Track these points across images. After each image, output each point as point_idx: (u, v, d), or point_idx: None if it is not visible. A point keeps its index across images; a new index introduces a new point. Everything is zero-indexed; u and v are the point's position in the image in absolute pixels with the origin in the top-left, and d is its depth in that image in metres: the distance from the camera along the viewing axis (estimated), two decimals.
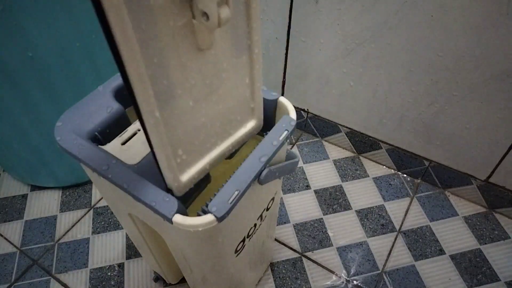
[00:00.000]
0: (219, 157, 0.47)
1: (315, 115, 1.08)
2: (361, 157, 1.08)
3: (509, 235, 0.91)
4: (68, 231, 0.94)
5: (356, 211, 0.96)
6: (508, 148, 0.83)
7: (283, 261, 0.88)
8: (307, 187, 1.01)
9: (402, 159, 1.01)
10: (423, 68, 0.80)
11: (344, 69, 0.91)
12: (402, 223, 0.94)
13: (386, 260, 0.88)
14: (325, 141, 1.12)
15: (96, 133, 0.50)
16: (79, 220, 0.96)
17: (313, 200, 0.99)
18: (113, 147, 0.50)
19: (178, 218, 0.41)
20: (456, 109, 0.83)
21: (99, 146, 0.48)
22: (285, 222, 0.94)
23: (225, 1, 0.33)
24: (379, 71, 0.86)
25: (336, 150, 1.10)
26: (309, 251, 0.89)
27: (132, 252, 0.90)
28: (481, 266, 0.86)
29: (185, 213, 0.42)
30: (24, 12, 0.65)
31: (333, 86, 0.97)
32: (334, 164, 1.06)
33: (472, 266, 0.86)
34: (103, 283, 0.85)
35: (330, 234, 0.92)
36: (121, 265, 0.88)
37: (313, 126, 1.11)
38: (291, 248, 0.90)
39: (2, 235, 0.94)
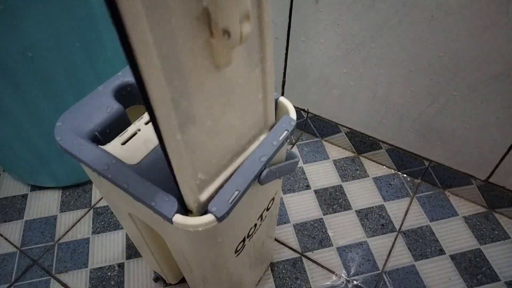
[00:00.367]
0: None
1: (315, 115, 1.07)
2: (361, 157, 1.08)
3: (509, 235, 0.91)
4: (68, 231, 0.94)
5: (356, 211, 0.96)
6: (508, 148, 0.83)
7: (283, 261, 0.88)
8: (307, 187, 1.01)
9: (402, 159, 1.01)
10: (423, 68, 0.80)
11: (344, 69, 0.91)
12: (402, 223, 0.94)
13: (386, 260, 0.88)
14: (325, 141, 1.12)
15: (96, 133, 0.50)
16: (79, 220, 0.96)
17: (313, 200, 0.99)
18: (113, 147, 0.50)
19: (178, 218, 0.41)
20: (456, 109, 0.83)
21: (99, 146, 0.48)
22: (285, 222, 0.94)
23: (246, 17, 0.32)
24: (379, 71, 0.86)
25: (336, 150, 1.10)
26: (309, 251, 0.89)
27: (132, 252, 0.90)
28: (481, 266, 0.86)
29: (185, 213, 0.42)
30: (24, 12, 0.65)
31: (333, 86, 0.97)
32: (334, 164, 1.06)
33: (472, 266, 0.86)
34: (103, 283, 0.85)
35: (330, 234, 0.92)
36: (121, 265, 0.88)
37: (313, 126, 1.11)
38: (291, 248, 0.90)
39: (2, 235, 0.94)
